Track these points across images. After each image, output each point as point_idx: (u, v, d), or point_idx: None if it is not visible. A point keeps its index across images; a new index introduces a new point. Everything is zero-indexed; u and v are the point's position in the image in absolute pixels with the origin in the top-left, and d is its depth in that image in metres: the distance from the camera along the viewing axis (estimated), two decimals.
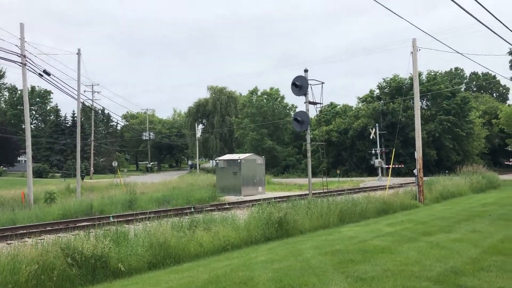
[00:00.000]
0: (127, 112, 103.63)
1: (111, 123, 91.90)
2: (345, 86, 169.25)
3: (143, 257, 9.22)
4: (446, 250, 8.07)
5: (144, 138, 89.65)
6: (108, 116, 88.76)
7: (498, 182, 31.09)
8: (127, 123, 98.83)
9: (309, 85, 18.26)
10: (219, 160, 33.27)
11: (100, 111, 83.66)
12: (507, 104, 56.45)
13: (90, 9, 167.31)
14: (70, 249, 8.45)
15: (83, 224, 15.95)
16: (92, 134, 66.03)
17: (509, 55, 14.11)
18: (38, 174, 57.11)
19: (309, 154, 18.97)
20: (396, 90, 56.24)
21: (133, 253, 9.16)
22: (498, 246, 8.32)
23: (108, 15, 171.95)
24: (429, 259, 7.40)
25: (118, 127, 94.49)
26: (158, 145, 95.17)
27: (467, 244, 8.66)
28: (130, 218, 16.66)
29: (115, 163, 53.82)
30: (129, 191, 26.66)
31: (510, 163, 47.25)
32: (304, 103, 18.54)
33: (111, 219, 16.49)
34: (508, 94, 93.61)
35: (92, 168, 62.05)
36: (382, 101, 57.35)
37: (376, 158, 45.63)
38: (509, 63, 14.15)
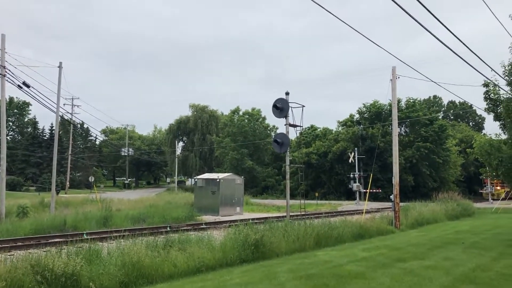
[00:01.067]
0: (107, 127, 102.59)
1: (90, 138, 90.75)
2: (326, 109, 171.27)
3: (116, 276, 9.04)
4: (419, 277, 8.15)
5: (122, 154, 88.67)
6: (87, 130, 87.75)
7: (472, 210, 31.62)
8: (106, 138, 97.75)
9: (290, 108, 18.44)
10: (198, 178, 33.07)
11: (79, 125, 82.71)
12: (482, 134, 58.06)
13: (74, 23, 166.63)
14: (40, 266, 8.25)
15: (56, 240, 15.58)
16: (70, 148, 65.09)
17: (484, 86, 14.59)
18: (11, 187, 55.75)
19: (287, 176, 19.04)
20: (376, 115, 57.14)
21: (105, 272, 8.99)
22: (470, 274, 8.44)
23: (91, 29, 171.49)
24: (402, 286, 7.46)
25: (97, 142, 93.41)
26: (136, 161, 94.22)
27: (440, 271, 8.76)
28: (104, 236, 16.35)
29: (91, 178, 53.12)
30: (104, 207, 26.23)
31: (483, 191, 48.46)
32: (285, 125, 18.69)
33: (85, 236, 16.17)
34: (484, 123, 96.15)
35: (68, 183, 61.00)
36: (361, 125, 58.14)
37: (355, 182, 46.01)
38: (483, 94, 14.65)
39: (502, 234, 16.41)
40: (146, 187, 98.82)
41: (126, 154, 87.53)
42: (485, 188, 47.33)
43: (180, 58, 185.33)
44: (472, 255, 11.03)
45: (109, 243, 14.25)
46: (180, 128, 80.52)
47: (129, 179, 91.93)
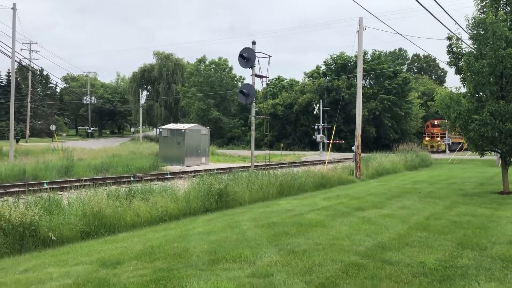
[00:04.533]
0: (68, 74, 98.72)
1: (50, 85, 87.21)
2: (293, 60, 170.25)
3: (76, 226, 8.96)
4: (376, 226, 8.45)
5: (85, 102, 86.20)
6: (47, 77, 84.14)
7: (430, 161, 32.83)
8: (67, 85, 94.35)
9: (257, 58, 18.17)
10: (163, 129, 32.68)
11: (38, 72, 79.17)
12: (443, 87, 59.40)
13: None
14: None
15: (14, 190, 15.19)
16: (29, 95, 62.67)
17: (447, 40, 14.72)
18: None
19: (253, 127, 19.06)
20: (342, 67, 57.31)
21: (65, 222, 8.89)
22: (424, 222, 8.82)
23: None
24: (359, 234, 7.71)
25: (58, 90, 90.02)
26: (99, 110, 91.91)
27: (396, 220, 9.11)
28: (65, 185, 16.11)
29: (53, 127, 51.62)
30: (66, 156, 25.70)
31: (440, 143, 50.34)
32: (251, 75, 18.47)
33: (45, 186, 15.86)
34: (446, 77, 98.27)
35: (28, 131, 59.16)
36: (327, 77, 58.31)
37: (319, 133, 46.70)
38: (447, 48, 14.80)
39: (455, 184, 17.17)
40: (109, 136, 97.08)
41: (88, 102, 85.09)
42: (443, 140, 48.97)
43: (144, 4, 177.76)
44: (427, 204, 11.50)
45: (70, 193, 14.06)
46: (144, 77, 78.52)
47: (92, 128, 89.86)
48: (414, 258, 6.09)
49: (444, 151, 48.08)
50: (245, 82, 55.28)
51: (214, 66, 68.24)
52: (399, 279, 5.24)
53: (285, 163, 27.32)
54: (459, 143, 48.44)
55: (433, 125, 53.11)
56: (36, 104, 71.97)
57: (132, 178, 19.18)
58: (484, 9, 13.63)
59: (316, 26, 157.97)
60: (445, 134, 50.10)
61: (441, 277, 5.29)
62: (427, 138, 53.62)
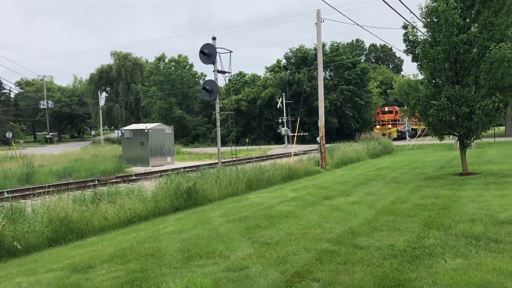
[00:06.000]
0: (22, 78, 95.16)
1: (3, 91, 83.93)
2: (254, 56, 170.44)
3: (43, 233, 8.70)
4: (345, 213, 8.63)
5: (41, 107, 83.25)
6: (0, 82, 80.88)
7: (392, 147, 33.71)
8: (22, 90, 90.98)
9: (218, 54, 18.10)
10: (125, 130, 32.10)
11: None
12: (401, 75, 61.20)
13: None
14: None
15: None
16: None
17: (403, 28, 15.15)
18: None
19: (218, 124, 19.01)
20: (302, 60, 57.82)
21: (31, 230, 8.61)
22: (390, 207, 9.07)
23: None
24: (329, 221, 7.87)
25: (11, 95, 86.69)
26: (57, 114, 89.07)
27: (363, 206, 9.33)
28: (27, 193, 15.60)
29: (9, 134, 49.75)
30: (25, 164, 24.81)
31: (401, 130, 51.10)
32: (213, 71, 18.41)
33: (6, 194, 15.29)
34: (403, 65, 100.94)
35: None
36: (288, 71, 58.73)
37: (283, 126, 47.06)
38: (403, 36, 15.25)
39: (417, 169, 17.71)
40: (70, 141, 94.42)
41: (45, 107, 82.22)
42: (403, 127, 49.98)
43: (100, 3, 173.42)
44: (392, 189, 11.83)
45: (33, 200, 13.60)
46: (102, 78, 76.71)
47: (50, 133, 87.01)
48: (384, 242, 6.27)
49: (397, 139, 48.39)
50: (206, 79, 54.93)
51: (174, 64, 67.39)
52: (370, 262, 5.38)
53: (252, 158, 27.42)
54: (414, 129, 49.62)
55: (384, 112, 52.34)
56: None
57: (96, 182, 18.76)
58: None
59: (276, 20, 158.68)
60: (396, 120, 50.04)
61: (410, 258, 5.47)
62: (378, 126, 51.13)
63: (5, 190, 16.69)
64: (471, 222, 7.18)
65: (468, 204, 8.82)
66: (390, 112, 51.72)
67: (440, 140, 15.38)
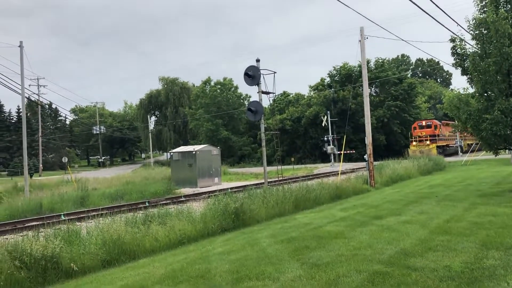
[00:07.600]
0: (76, 106, 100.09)
1: (59, 118, 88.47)
2: (297, 74, 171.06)
3: (97, 255, 8.98)
4: (396, 233, 8.38)
5: (94, 132, 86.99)
6: (56, 110, 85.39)
7: (444, 164, 32.54)
8: (76, 117, 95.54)
9: (261, 75, 18.32)
10: (174, 152, 32.84)
11: (47, 106, 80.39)
12: (450, 89, 59.33)
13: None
14: (18, 251, 8.10)
15: (32, 224, 15.34)
16: (40, 130, 63.50)
17: (451, 42, 14.79)
18: None
19: (263, 143, 19.10)
20: (346, 77, 57.41)
21: (86, 252, 8.91)
22: (444, 226, 8.72)
23: (49, 3, 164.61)
24: (380, 242, 7.65)
25: (67, 122, 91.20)
26: (109, 139, 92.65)
27: (416, 225, 9.03)
28: (82, 216, 16.18)
29: (65, 159, 52.03)
30: (80, 187, 25.89)
31: (452, 146, 48.82)
32: (257, 92, 18.60)
33: (62, 217, 15.97)
34: (451, 79, 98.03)
35: (41, 165, 59.74)
36: (332, 89, 58.41)
37: (329, 144, 46.61)
38: (451, 49, 14.88)
39: (472, 185, 16.98)
40: (121, 164, 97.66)
41: (98, 132, 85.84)
42: (455, 142, 47.86)
43: (145, 30, 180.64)
44: (445, 208, 11.39)
45: (87, 222, 14.11)
46: (151, 102, 79.21)
47: (103, 157, 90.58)
48: (439, 263, 6.03)
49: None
50: (251, 99, 55.53)
51: (219, 86, 68.71)
52: (426, 284, 5.18)
53: (298, 177, 27.25)
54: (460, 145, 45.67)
55: (421, 127, 47.45)
56: (47, 137, 72.86)
57: (147, 204, 19.24)
58: (485, 9, 13.68)
59: (319, 39, 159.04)
60: (435, 135, 44.89)
61: (469, 280, 5.22)
62: (414, 143, 45.88)
63: (62, 213, 17.43)
64: None
65: None
66: (428, 126, 47.08)
67: (495, 155, 14.71)
